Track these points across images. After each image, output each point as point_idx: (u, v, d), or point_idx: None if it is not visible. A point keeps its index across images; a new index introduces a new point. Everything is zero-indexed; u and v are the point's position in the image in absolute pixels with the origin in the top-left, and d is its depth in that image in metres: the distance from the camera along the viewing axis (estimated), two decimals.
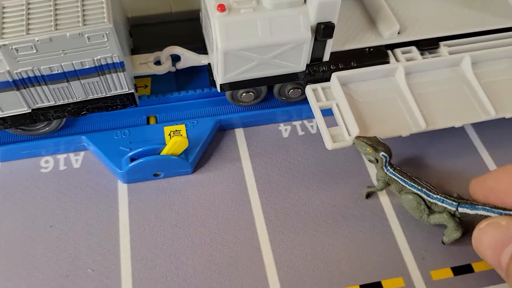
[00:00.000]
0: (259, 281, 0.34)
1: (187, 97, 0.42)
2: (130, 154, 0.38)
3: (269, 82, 0.39)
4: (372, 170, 0.41)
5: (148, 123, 0.42)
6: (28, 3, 0.33)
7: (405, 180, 0.36)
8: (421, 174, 0.40)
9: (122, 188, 0.39)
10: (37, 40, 0.32)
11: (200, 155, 0.41)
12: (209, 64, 0.41)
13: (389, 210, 0.38)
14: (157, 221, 0.37)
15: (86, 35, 0.32)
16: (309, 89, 0.39)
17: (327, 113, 0.38)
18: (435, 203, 0.35)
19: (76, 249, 0.36)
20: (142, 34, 0.46)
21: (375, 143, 0.35)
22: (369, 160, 0.36)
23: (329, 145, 0.36)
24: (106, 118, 0.41)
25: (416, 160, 0.41)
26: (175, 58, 0.41)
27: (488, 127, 0.43)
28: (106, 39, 0.33)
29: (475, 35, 0.42)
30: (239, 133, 0.43)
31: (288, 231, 0.37)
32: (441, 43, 0.41)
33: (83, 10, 0.33)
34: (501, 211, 0.33)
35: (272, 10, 0.35)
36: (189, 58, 0.41)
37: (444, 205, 0.35)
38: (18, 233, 0.37)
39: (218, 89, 0.38)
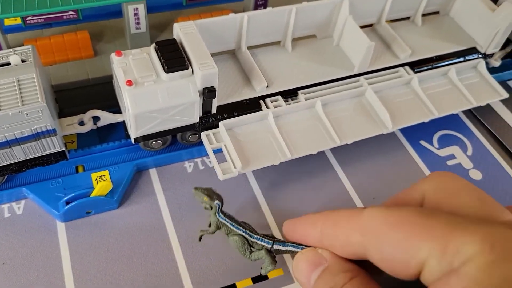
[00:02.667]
0: (175, 283, 0.46)
1: (108, 148, 0.53)
2: (65, 198, 0.48)
3: (172, 132, 0.50)
4: (256, 189, 0.54)
5: (77, 171, 0.52)
6: None
7: (233, 224, 0.41)
8: (289, 190, 0.53)
9: (61, 226, 0.49)
10: None
11: (123, 193, 0.51)
12: (123, 121, 0.52)
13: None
14: (92, 249, 0.47)
15: (25, 112, 0.42)
16: (203, 135, 0.51)
17: (219, 151, 0.51)
18: (256, 242, 0.41)
19: (28, 280, 0.45)
20: (65, 97, 0.56)
21: (211, 193, 0.41)
22: (205, 208, 0.42)
23: (220, 176, 0.48)
24: (42, 171, 0.50)
25: (286, 180, 0.55)
26: (96, 118, 0.51)
27: (341, 149, 0.58)
28: (41, 114, 0.43)
29: (324, 84, 0.57)
30: (153, 172, 0.54)
31: (196, 244, 0.49)
32: (299, 92, 0.55)
33: (21, 92, 0.43)
34: (304, 246, 0.38)
35: (168, 82, 0.46)
36: (107, 118, 0.51)
37: (262, 243, 0.40)
38: None
39: (133, 142, 0.49)
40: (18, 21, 0.64)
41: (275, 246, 0.41)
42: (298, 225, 0.39)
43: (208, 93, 0.48)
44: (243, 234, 0.41)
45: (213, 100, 0.50)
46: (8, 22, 0.63)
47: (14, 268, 0.45)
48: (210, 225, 0.42)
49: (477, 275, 0.28)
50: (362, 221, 0.33)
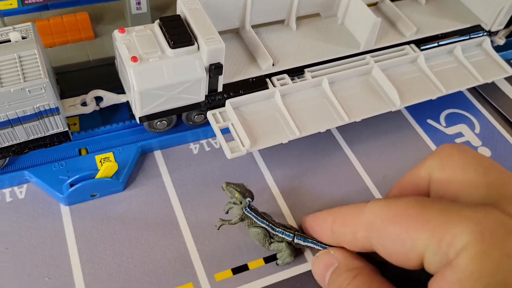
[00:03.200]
0: (186, 267, 0.44)
1: (112, 129, 0.51)
2: (69, 180, 0.47)
3: (177, 111, 0.49)
4: (265, 170, 0.52)
5: (80, 154, 0.50)
6: None
7: (257, 217, 0.43)
8: (298, 171, 0.52)
9: (65, 210, 0.47)
10: None
11: (128, 176, 0.50)
12: (127, 101, 0.51)
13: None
14: (98, 232, 0.46)
15: (27, 89, 0.41)
16: (210, 114, 0.50)
17: (225, 131, 0.50)
18: (277, 235, 0.43)
19: (32, 264, 0.43)
20: (66, 80, 0.54)
21: (243, 190, 0.43)
22: (233, 203, 0.43)
23: (228, 155, 0.47)
24: (43, 154, 0.49)
25: (294, 161, 0.54)
26: (98, 98, 0.50)
27: (348, 129, 0.57)
28: (43, 91, 0.41)
29: (330, 62, 0.56)
30: (158, 154, 0.53)
31: (205, 224, 0.47)
32: (306, 70, 0.54)
33: (22, 69, 0.41)
34: (324, 245, 0.41)
35: (174, 57, 0.45)
36: (110, 98, 0.50)
37: (283, 236, 0.43)
38: None
39: (138, 121, 0.48)
40: (14, 5, 0.62)
41: (296, 240, 0.43)
42: (312, 223, 0.42)
43: (215, 69, 0.46)
44: (266, 227, 0.43)
45: (220, 77, 0.48)
46: (3, 6, 0.61)
47: (17, 253, 0.44)
48: (227, 212, 0.44)
49: (469, 267, 0.28)
50: (365, 217, 0.35)
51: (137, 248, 0.45)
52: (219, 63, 0.47)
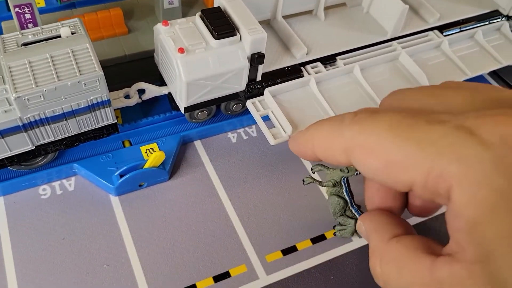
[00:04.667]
0: (237, 250, 0.46)
1: (154, 121, 0.53)
2: (118, 172, 0.48)
3: (219, 101, 0.51)
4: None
5: (124, 146, 0.51)
6: (30, 62, 0.42)
7: (347, 190, 0.45)
8: None
9: (115, 200, 0.48)
10: (45, 90, 0.41)
11: (173, 165, 0.51)
12: (169, 93, 0.52)
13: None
14: (150, 220, 0.47)
15: (83, 82, 0.42)
16: (250, 103, 0.52)
17: (264, 118, 0.51)
18: (351, 211, 0.46)
19: (89, 253, 0.45)
20: (105, 75, 0.55)
21: None
22: (341, 170, 0.44)
23: (272, 141, 0.49)
24: (89, 147, 0.50)
25: None
26: (140, 91, 0.51)
27: None
28: (98, 83, 0.43)
29: (359, 49, 0.58)
30: (198, 144, 0.54)
31: (251, 209, 0.49)
32: (338, 58, 0.56)
33: (77, 63, 0.42)
34: None
35: (218, 48, 0.46)
36: (153, 90, 0.51)
37: (355, 214, 0.45)
38: (35, 249, 0.44)
39: (182, 111, 0.49)
40: (42, 3, 0.63)
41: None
42: (295, 147, 0.38)
43: (257, 58, 0.48)
44: (348, 200, 0.45)
45: (259, 66, 0.50)
46: None
47: (74, 242, 0.45)
48: (315, 172, 0.47)
49: (462, 201, 0.25)
50: (343, 143, 0.31)
51: (188, 234, 0.46)
52: (260, 52, 0.48)
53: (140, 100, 0.51)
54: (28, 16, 0.52)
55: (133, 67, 0.57)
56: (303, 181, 0.45)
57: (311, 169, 0.47)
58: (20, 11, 0.52)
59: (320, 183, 0.45)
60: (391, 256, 0.31)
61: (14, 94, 0.40)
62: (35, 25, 0.53)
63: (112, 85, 0.52)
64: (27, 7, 0.52)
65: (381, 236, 0.33)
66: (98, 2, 0.62)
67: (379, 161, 0.28)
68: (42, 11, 0.62)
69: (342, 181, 0.45)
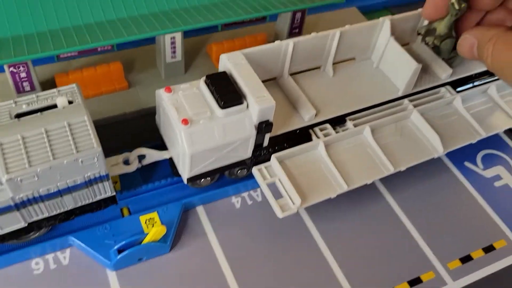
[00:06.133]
0: None
1: (154, 187, 0.50)
2: (116, 246, 0.45)
3: (224, 170, 0.48)
4: (310, 224, 0.52)
5: (122, 214, 0.49)
6: (23, 138, 0.39)
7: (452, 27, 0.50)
8: (341, 220, 0.51)
9: (112, 275, 0.45)
10: (39, 170, 0.38)
11: (174, 236, 0.48)
12: (170, 158, 0.49)
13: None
14: None
15: (80, 160, 0.39)
16: (255, 170, 0.49)
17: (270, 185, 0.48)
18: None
19: None
20: (102, 134, 0.52)
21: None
22: (450, 14, 0.48)
23: (279, 214, 0.46)
24: (86, 216, 0.47)
25: (336, 209, 0.53)
26: (141, 156, 0.49)
27: (387, 176, 0.56)
28: (96, 160, 0.40)
29: (369, 108, 0.55)
30: (200, 210, 0.51)
31: (255, 283, 0.46)
32: (347, 118, 0.54)
33: (73, 138, 0.40)
34: None
35: (224, 118, 0.44)
36: (154, 156, 0.48)
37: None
38: None
39: (185, 182, 0.47)
40: None
41: None
42: (462, 41, 0.44)
43: (265, 127, 0.45)
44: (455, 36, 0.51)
45: (267, 134, 0.47)
46: None
47: None
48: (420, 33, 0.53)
49: None
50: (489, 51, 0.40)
51: None
52: (268, 120, 0.46)
53: (140, 165, 0.48)
54: (23, 75, 0.50)
55: (133, 126, 0.54)
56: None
57: (417, 31, 0.54)
58: (15, 70, 0.49)
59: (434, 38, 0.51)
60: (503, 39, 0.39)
61: (5, 176, 0.37)
62: (31, 84, 0.51)
63: (111, 146, 0.49)
64: (23, 66, 0.49)
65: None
66: (97, 54, 0.59)
67: None
68: (38, 63, 0.59)
69: (452, 20, 0.48)
